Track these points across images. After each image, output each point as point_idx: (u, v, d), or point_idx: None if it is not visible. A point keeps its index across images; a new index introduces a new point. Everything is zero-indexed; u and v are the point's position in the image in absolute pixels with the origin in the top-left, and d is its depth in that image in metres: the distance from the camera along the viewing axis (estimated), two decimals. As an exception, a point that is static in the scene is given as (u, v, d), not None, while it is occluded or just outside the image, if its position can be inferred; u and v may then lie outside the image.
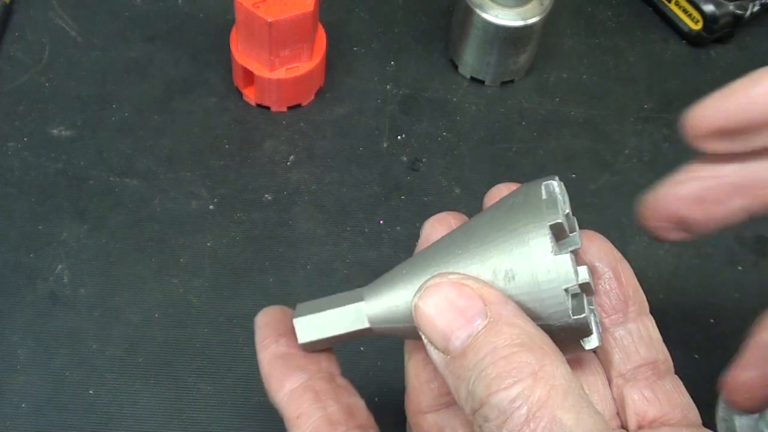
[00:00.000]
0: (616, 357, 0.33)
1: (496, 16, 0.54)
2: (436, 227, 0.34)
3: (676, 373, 0.34)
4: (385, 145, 0.55)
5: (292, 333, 0.33)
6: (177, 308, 0.48)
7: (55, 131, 0.54)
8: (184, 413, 0.45)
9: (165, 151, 0.54)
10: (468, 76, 0.58)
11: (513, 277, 0.28)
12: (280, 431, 0.32)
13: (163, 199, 0.52)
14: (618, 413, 0.33)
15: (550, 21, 0.56)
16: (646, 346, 0.33)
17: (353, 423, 0.31)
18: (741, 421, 0.38)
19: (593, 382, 0.34)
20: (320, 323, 0.32)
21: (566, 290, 0.28)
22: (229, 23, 0.55)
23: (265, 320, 0.34)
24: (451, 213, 0.35)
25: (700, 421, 0.33)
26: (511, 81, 0.59)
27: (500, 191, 0.34)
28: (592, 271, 0.33)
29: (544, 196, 0.29)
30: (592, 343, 0.30)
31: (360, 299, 0.32)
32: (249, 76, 0.55)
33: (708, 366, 0.42)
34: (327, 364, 0.33)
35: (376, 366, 0.47)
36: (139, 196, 0.52)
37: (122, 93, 0.56)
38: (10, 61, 0.57)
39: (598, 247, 0.33)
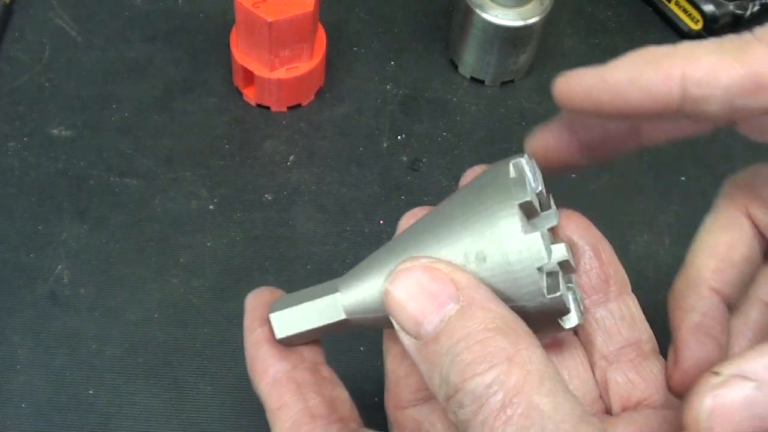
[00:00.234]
0: (598, 338, 0.32)
1: (496, 16, 0.54)
2: (411, 222, 0.33)
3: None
4: (385, 145, 0.55)
5: None
6: (177, 308, 0.48)
7: (55, 131, 0.54)
8: (184, 413, 0.45)
9: (165, 151, 0.54)
10: (468, 76, 0.58)
11: (484, 259, 0.28)
12: (280, 431, 0.32)
13: (163, 199, 0.52)
14: (601, 396, 0.33)
15: (550, 21, 0.56)
16: (628, 325, 0.32)
17: (334, 416, 0.31)
18: None
19: (574, 366, 0.33)
20: (297, 317, 0.32)
21: (540, 269, 0.27)
22: (229, 23, 0.55)
23: (254, 303, 0.33)
24: (425, 207, 0.34)
25: None
26: (511, 81, 0.59)
27: (475, 173, 0.33)
28: (572, 249, 0.32)
29: (512, 175, 0.29)
30: (571, 321, 0.30)
31: (335, 290, 0.31)
32: (249, 76, 0.55)
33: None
34: (311, 353, 0.33)
35: (376, 366, 0.47)
36: (139, 196, 0.52)
37: (122, 93, 0.56)
38: (10, 61, 0.57)
39: (577, 224, 0.33)
